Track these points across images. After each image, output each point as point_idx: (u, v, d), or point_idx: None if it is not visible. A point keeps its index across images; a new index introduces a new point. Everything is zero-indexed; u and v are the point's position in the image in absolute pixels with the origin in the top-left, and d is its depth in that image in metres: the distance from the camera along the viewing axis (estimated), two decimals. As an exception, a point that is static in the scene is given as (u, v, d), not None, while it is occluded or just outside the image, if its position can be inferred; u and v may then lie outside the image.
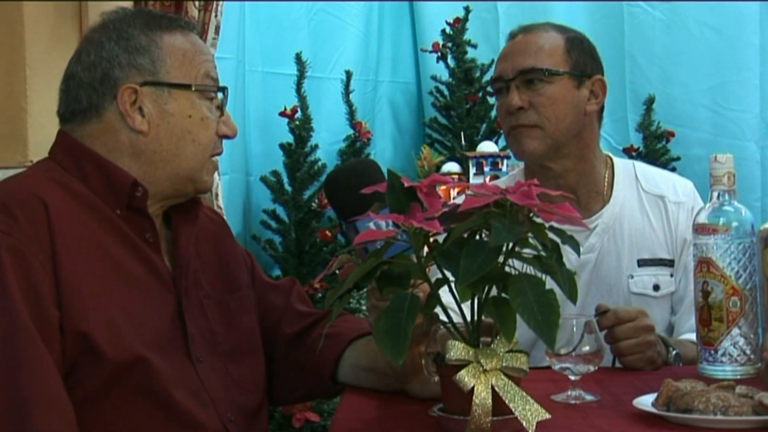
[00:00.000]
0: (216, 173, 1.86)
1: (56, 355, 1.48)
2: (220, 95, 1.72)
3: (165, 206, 1.71)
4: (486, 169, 3.67)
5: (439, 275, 1.40)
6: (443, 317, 1.41)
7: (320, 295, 3.37)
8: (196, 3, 3.04)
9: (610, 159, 2.25)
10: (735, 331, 1.66)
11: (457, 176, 3.70)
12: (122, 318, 1.55)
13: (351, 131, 3.79)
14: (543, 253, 1.35)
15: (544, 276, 1.34)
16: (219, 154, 1.74)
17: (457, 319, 1.41)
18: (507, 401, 1.34)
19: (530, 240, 1.35)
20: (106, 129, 1.65)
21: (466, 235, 1.36)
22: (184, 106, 1.67)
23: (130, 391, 1.54)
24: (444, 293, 1.39)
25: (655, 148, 3.84)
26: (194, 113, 1.67)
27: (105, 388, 1.52)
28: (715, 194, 1.69)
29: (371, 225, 1.53)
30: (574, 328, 1.62)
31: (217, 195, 3.15)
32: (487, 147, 3.75)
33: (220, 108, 1.72)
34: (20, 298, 1.46)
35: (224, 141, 1.75)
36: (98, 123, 1.66)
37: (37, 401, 1.44)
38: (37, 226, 1.52)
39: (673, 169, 3.60)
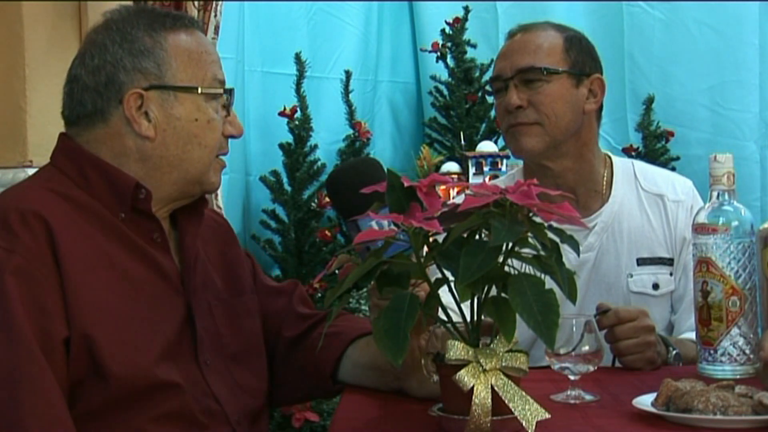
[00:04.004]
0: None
1: (60, 372, 1.46)
2: (226, 95, 1.69)
3: (171, 209, 1.70)
4: (485, 168, 3.67)
5: (439, 275, 1.39)
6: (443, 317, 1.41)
7: (320, 295, 3.36)
8: (196, 3, 3.04)
9: (609, 158, 2.25)
10: (734, 330, 1.66)
11: (456, 176, 3.70)
12: (131, 331, 1.53)
13: (350, 131, 3.79)
14: (542, 253, 1.35)
15: (543, 276, 1.34)
16: (225, 153, 1.71)
17: (456, 318, 1.41)
18: (507, 401, 1.33)
19: (530, 240, 1.35)
20: (112, 134, 1.63)
21: (465, 235, 1.36)
22: (191, 110, 1.64)
23: (145, 410, 1.51)
24: (444, 293, 1.39)
25: (654, 148, 3.84)
26: (201, 116, 1.65)
27: (110, 405, 1.50)
28: (715, 194, 1.69)
29: (373, 224, 1.52)
30: (574, 328, 1.62)
31: (216, 195, 3.14)
32: (486, 147, 3.75)
33: (226, 107, 1.69)
34: (23, 314, 1.44)
35: None
36: (104, 128, 1.63)
37: (35, 419, 1.41)
38: (39, 242, 1.49)
39: (673, 169, 3.60)
